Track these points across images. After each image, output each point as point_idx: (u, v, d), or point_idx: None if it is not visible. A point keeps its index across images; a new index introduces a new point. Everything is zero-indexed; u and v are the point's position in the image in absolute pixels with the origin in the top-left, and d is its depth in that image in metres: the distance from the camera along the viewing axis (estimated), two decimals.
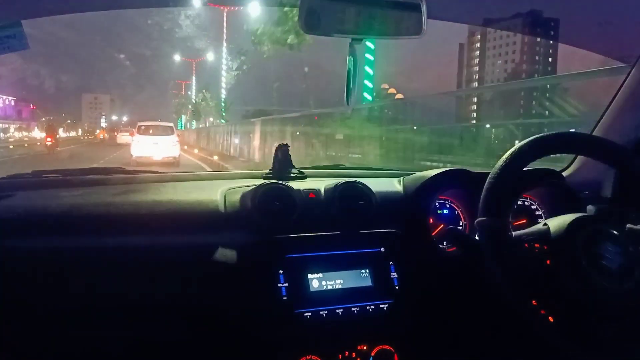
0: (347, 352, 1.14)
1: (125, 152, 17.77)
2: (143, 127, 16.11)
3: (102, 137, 51.53)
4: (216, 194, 1.25)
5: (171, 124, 17.59)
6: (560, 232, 0.99)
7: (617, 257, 0.96)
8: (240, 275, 1.11)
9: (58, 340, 1.08)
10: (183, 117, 51.99)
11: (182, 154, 17.94)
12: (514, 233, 1.04)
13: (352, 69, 1.16)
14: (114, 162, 15.67)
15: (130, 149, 15.82)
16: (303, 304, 1.10)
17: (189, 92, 53.10)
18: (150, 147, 15.06)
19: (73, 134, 68.18)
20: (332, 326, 1.12)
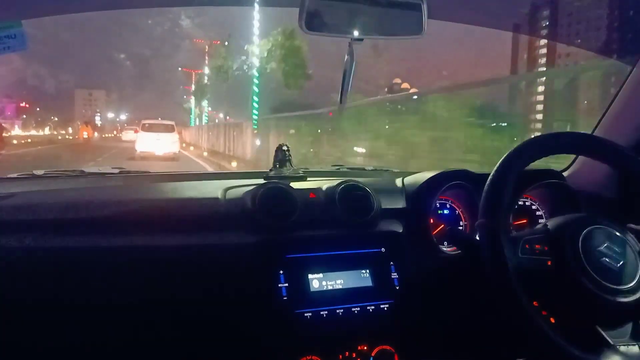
0: (347, 352, 1.14)
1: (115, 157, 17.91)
2: (147, 125, 18.19)
3: (86, 136, 31.57)
4: (216, 193, 1.25)
5: (172, 122, 19.33)
6: (561, 233, 0.99)
7: (617, 257, 0.96)
8: (241, 275, 1.11)
9: (57, 340, 1.08)
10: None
11: None
12: (514, 234, 1.04)
13: (348, 69, 1.16)
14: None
15: (135, 144, 17.55)
16: (303, 304, 1.10)
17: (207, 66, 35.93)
18: (152, 143, 16.96)
19: (63, 132, 61.75)
20: (332, 326, 1.12)
